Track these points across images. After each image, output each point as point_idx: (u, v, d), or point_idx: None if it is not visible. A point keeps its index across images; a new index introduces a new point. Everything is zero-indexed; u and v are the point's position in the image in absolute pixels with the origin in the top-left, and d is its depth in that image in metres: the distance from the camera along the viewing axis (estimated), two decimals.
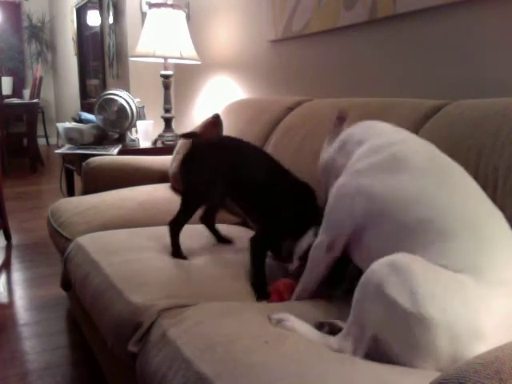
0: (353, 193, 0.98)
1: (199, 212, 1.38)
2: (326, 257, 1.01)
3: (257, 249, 1.18)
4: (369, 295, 0.78)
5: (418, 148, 0.98)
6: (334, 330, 0.88)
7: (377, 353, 0.79)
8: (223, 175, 1.26)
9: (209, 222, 1.45)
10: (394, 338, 0.76)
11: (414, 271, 0.76)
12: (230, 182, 1.26)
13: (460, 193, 0.89)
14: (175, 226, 1.31)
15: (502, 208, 0.94)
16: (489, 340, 0.72)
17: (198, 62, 2.75)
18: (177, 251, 1.29)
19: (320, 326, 0.91)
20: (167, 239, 1.37)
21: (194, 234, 1.47)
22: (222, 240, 1.44)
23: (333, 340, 0.84)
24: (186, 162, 1.31)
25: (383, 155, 0.97)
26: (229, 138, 1.40)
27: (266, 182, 1.24)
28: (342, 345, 0.82)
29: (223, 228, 1.57)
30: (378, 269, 0.79)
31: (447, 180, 0.91)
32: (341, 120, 1.21)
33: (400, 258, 0.80)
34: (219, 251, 1.34)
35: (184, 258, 1.28)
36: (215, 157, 1.29)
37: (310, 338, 0.86)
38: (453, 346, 0.71)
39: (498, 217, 0.86)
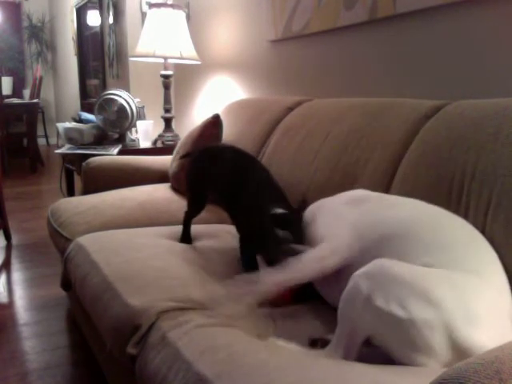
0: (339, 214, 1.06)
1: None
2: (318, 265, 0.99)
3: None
4: (357, 308, 0.79)
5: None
6: (326, 346, 0.88)
7: (368, 355, 0.80)
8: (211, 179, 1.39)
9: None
10: (391, 342, 0.76)
11: (394, 277, 0.77)
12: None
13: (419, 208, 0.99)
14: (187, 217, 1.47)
15: (499, 207, 0.94)
16: (483, 322, 0.74)
17: (198, 62, 2.76)
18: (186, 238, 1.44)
19: (313, 343, 0.91)
20: (167, 240, 1.37)
21: (201, 233, 1.50)
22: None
23: (322, 353, 0.84)
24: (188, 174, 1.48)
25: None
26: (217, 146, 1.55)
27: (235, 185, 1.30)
28: (333, 356, 0.82)
29: (221, 227, 1.57)
30: (359, 282, 0.80)
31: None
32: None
33: (376, 265, 0.81)
34: (223, 252, 1.34)
35: (190, 242, 1.42)
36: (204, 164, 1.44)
37: None
38: (451, 337, 0.72)
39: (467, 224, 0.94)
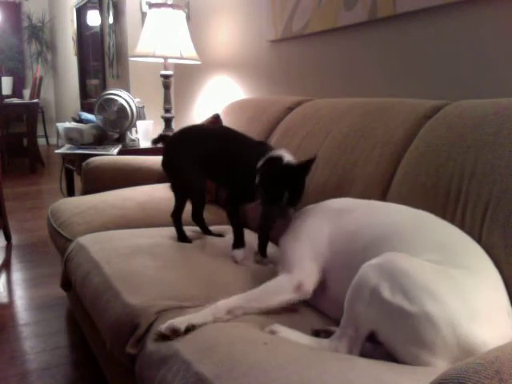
0: (314, 231, 1.06)
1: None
2: (292, 296, 0.99)
3: (231, 205, 1.35)
4: (363, 299, 0.79)
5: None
6: (329, 337, 0.88)
7: (372, 351, 0.80)
8: (195, 159, 1.40)
9: (198, 219, 1.53)
10: (396, 337, 0.76)
11: (403, 270, 0.77)
12: (203, 163, 1.40)
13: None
14: (175, 215, 1.46)
15: (498, 207, 0.94)
16: (485, 319, 0.74)
17: (198, 62, 2.75)
18: (182, 236, 1.43)
19: (316, 334, 0.92)
20: (167, 240, 1.37)
21: (200, 233, 1.51)
22: (210, 233, 1.54)
23: (327, 342, 0.84)
24: (164, 160, 1.47)
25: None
26: (190, 128, 1.56)
27: (228, 156, 1.36)
28: (337, 346, 0.82)
29: (221, 228, 1.57)
30: (368, 273, 0.80)
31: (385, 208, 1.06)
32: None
33: (387, 258, 0.81)
34: (223, 252, 1.34)
35: (189, 241, 1.42)
36: (183, 146, 1.44)
37: (304, 343, 0.86)
38: (455, 333, 0.73)
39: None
